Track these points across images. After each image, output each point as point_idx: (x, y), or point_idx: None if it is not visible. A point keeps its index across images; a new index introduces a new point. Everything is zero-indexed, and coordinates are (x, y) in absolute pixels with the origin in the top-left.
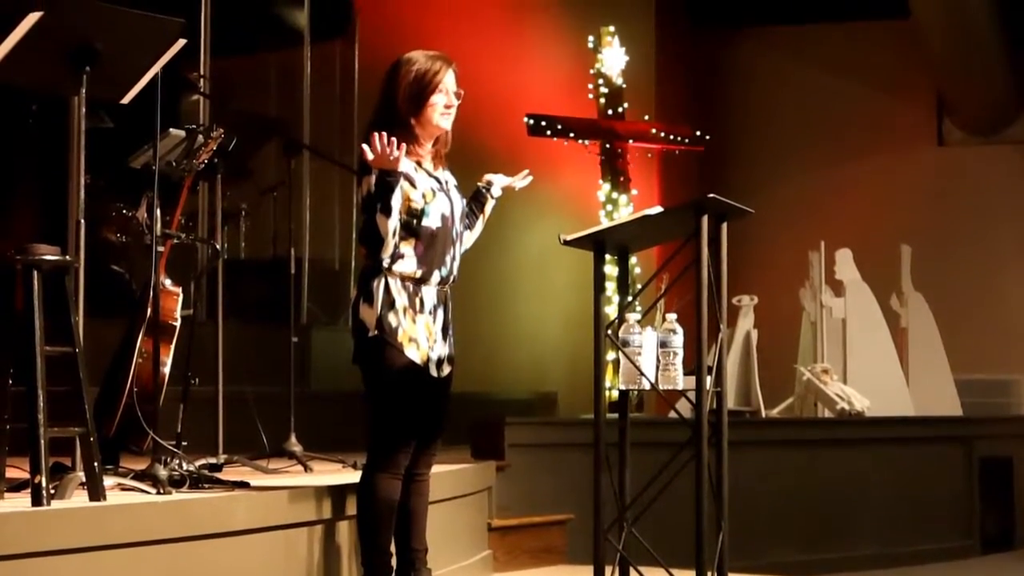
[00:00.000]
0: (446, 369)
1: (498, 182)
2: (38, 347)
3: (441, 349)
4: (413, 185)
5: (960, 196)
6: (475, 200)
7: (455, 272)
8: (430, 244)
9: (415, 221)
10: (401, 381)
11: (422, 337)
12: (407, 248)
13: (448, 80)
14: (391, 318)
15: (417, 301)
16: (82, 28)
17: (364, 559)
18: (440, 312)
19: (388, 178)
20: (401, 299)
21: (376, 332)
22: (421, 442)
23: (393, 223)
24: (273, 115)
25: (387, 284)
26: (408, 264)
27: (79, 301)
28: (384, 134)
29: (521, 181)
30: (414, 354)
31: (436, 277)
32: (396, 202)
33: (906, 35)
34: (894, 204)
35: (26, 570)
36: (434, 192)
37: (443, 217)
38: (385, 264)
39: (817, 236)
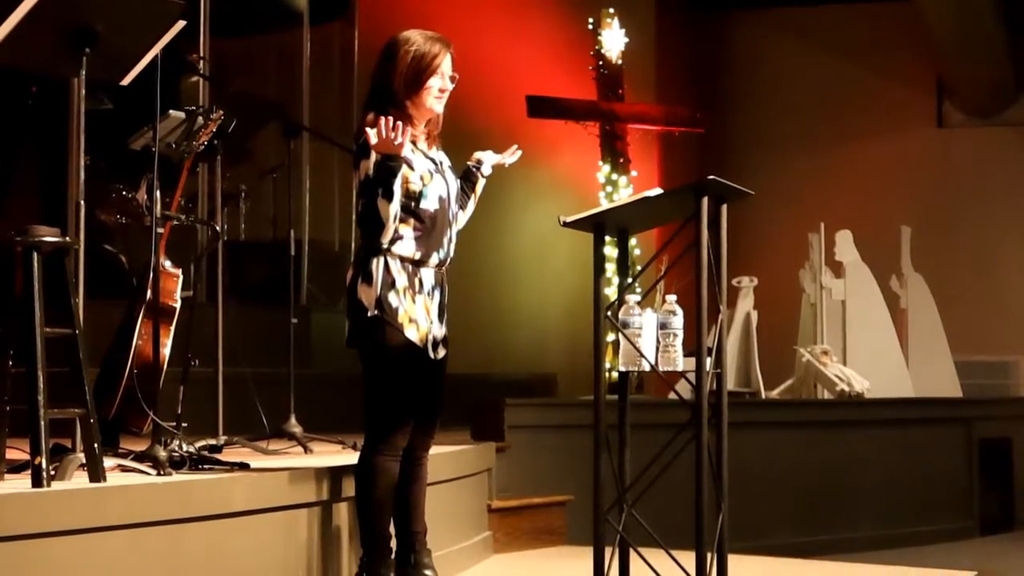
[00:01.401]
0: (442, 351)
1: (488, 160)
2: (38, 329)
3: (438, 330)
4: (411, 167)
5: (960, 178)
6: (466, 180)
7: (452, 253)
8: (429, 226)
9: (413, 203)
10: (400, 361)
11: (421, 317)
12: (406, 230)
13: (446, 64)
14: (392, 298)
15: (416, 281)
16: (82, 9)
17: (363, 541)
18: (437, 293)
19: (390, 163)
20: (401, 279)
21: (376, 312)
22: (419, 425)
23: (395, 208)
24: (273, 97)
25: (387, 264)
26: (407, 246)
27: (79, 283)
28: (390, 118)
29: (510, 157)
30: (413, 334)
31: (434, 259)
32: (398, 187)
33: (906, 17)
34: (894, 186)
35: (26, 551)
36: (431, 174)
37: (440, 199)
38: (384, 245)
39: (817, 217)
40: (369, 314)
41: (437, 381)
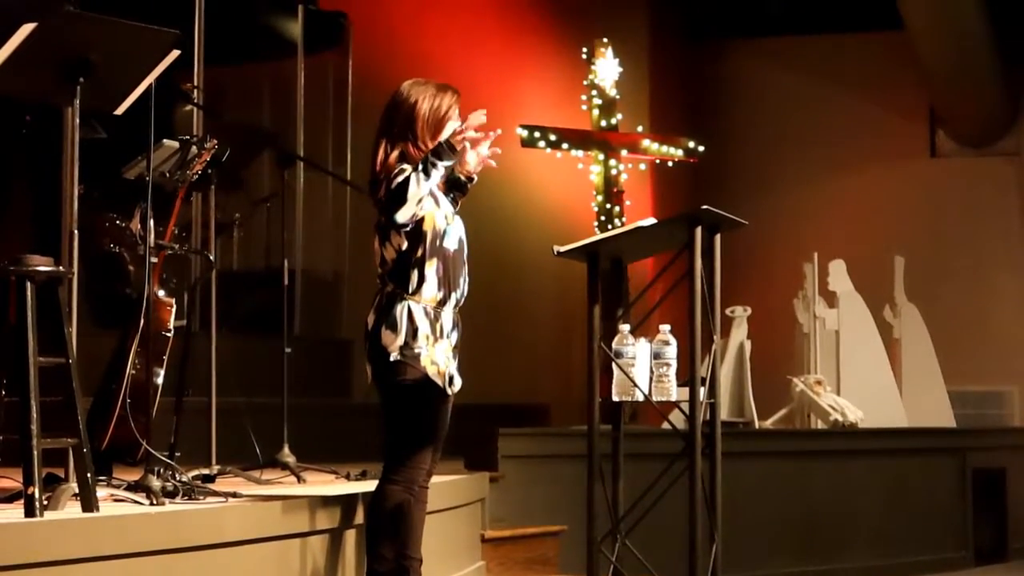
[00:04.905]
0: (457, 385)
1: (471, 164)
2: (31, 358)
3: (453, 368)
4: (437, 204)
5: (953, 207)
6: (457, 189)
7: (466, 293)
8: (448, 265)
9: (438, 241)
10: (421, 399)
11: (441, 360)
12: (429, 270)
13: (457, 108)
14: (414, 345)
15: (438, 327)
16: (76, 39)
17: (369, 567)
18: (455, 334)
19: (447, 148)
20: (424, 325)
21: (399, 356)
22: None
23: (424, 190)
24: (267, 126)
25: (410, 311)
26: (430, 287)
27: (72, 312)
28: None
29: (488, 144)
30: (434, 374)
31: (453, 299)
32: (436, 173)
33: (899, 46)
34: (887, 215)
35: None
36: (453, 215)
37: (459, 240)
38: (410, 290)
39: (810, 247)
40: (392, 358)
41: (448, 412)
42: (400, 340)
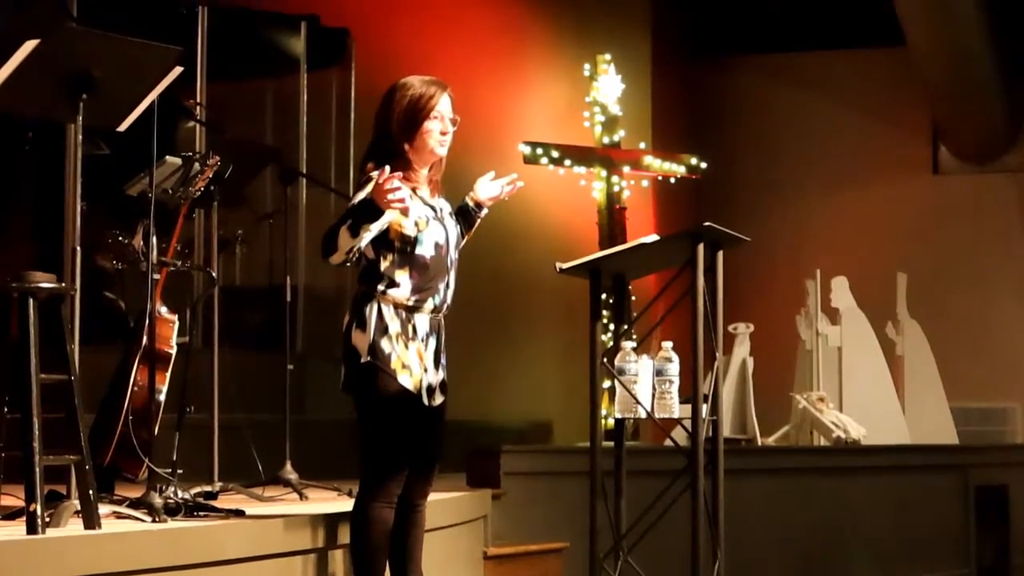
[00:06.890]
0: (439, 398)
1: (486, 200)
2: (34, 375)
3: (433, 377)
4: (405, 214)
5: (956, 224)
6: (464, 216)
7: (449, 300)
8: (423, 272)
9: (409, 248)
10: (394, 408)
11: (414, 363)
12: (401, 276)
13: (443, 106)
14: (384, 344)
15: (410, 328)
16: (79, 55)
17: None
18: (432, 340)
19: (375, 208)
20: (394, 325)
21: (369, 359)
22: (417, 473)
23: (354, 244)
24: (269, 142)
25: (380, 310)
26: (402, 292)
27: (75, 328)
28: (395, 175)
29: (508, 188)
30: (407, 381)
31: (429, 305)
32: (367, 235)
33: (902, 63)
34: (890, 232)
35: None
36: (427, 220)
37: (437, 246)
38: (380, 289)
39: (813, 264)
40: (363, 360)
41: (434, 428)
42: (369, 339)
